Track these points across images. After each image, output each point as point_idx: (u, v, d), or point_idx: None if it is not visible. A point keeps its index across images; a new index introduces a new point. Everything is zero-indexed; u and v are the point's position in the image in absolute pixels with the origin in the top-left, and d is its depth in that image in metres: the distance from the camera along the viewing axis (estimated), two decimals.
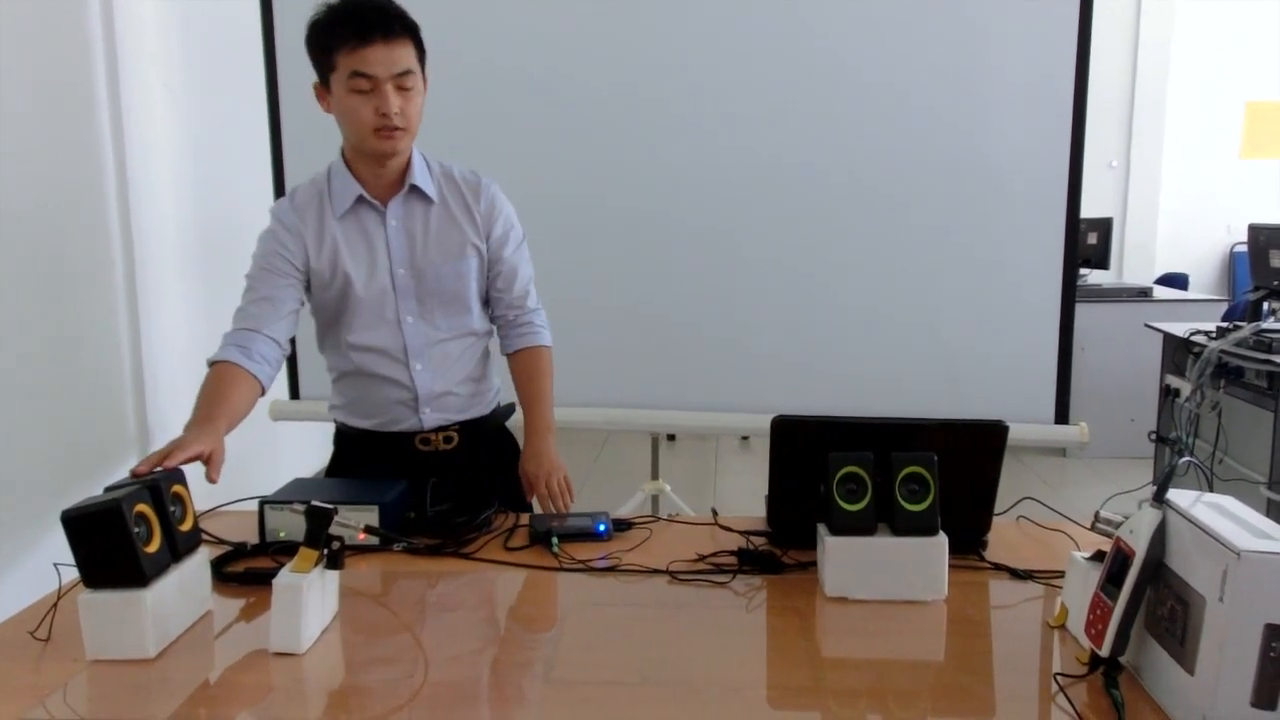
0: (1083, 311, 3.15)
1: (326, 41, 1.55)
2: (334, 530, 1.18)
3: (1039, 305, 2.73)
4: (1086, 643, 1.07)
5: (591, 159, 2.83)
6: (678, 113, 2.79)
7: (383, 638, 1.21)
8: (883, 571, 1.28)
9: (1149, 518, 1.03)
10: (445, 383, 1.75)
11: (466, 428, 1.79)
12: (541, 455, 1.74)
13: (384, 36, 1.52)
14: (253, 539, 1.50)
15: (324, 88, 1.60)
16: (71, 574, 1.15)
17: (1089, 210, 3.36)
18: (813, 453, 1.32)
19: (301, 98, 2.94)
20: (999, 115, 2.69)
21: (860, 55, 2.71)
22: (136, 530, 1.12)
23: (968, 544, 1.43)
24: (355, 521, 1.32)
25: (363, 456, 1.79)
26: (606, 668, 1.13)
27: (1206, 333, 3.22)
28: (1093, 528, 1.25)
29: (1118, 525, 1.13)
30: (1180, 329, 3.39)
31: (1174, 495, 1.04)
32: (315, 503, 1.18)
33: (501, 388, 1.89)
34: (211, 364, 1.56)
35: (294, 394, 3.07)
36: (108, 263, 2.90)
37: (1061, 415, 2.77)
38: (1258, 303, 3.26)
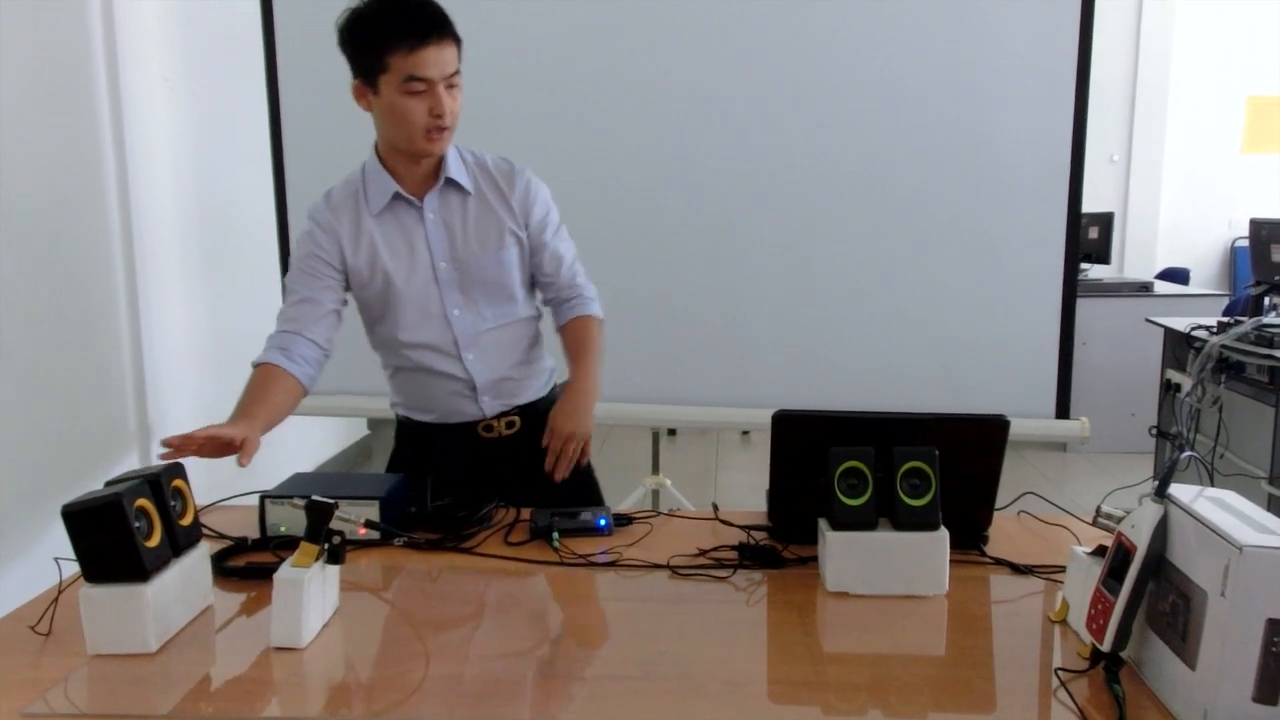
0: (1084, 306, 3.14)
1: (376, 42, 1.52)
2: (335, 525, 1.18)
3: (1040, 300, 2.73)
4: (1088, 637, 1.07)
5: (591, 153, 2.83)
6: (677, 106, 2.78)
7: (383, 632, 1.21)
8: (884, 566, 1.28)
9: (1150, 513, 1.03)
10: (500, 369, 1.75)
11: (527, 411, 1.79)
12: (574, 412, 1.65)
13: (438, 38, 1.51)
14: (253, 534, 1.50)
15: (367, 86, 1.57)
16: (72, 568, 1.15)
17: (1090, 205, 3.35)
18: (814, 447, 1.32)
19: (301, 90, 2.95)
20: (1000, 109, 2.68)
21: (862, 50, 2.71)
22: (137, 525, 1.12)
23: (969, 539, 1.43)
24: (356, 516, 1.32)
25: (426, 449, 1.80)
26: (607, 662, 1.13)
27: (1207, 327, 3.21)
28: (1094, 523, 1.25)
29: (1119, 520, 1.13)
30: (1181, 324, 3.39)
31: (1175, 490, 1.03)
32: (316, 497, 1.17)
33: (557, 368, 1.87)
34: (255, 366, 1.58)
35: None
36: (108, 257, 2.90)
37: (1062, 410, 2.77)
38: (1259, 297, 3.25)
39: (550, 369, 1.88)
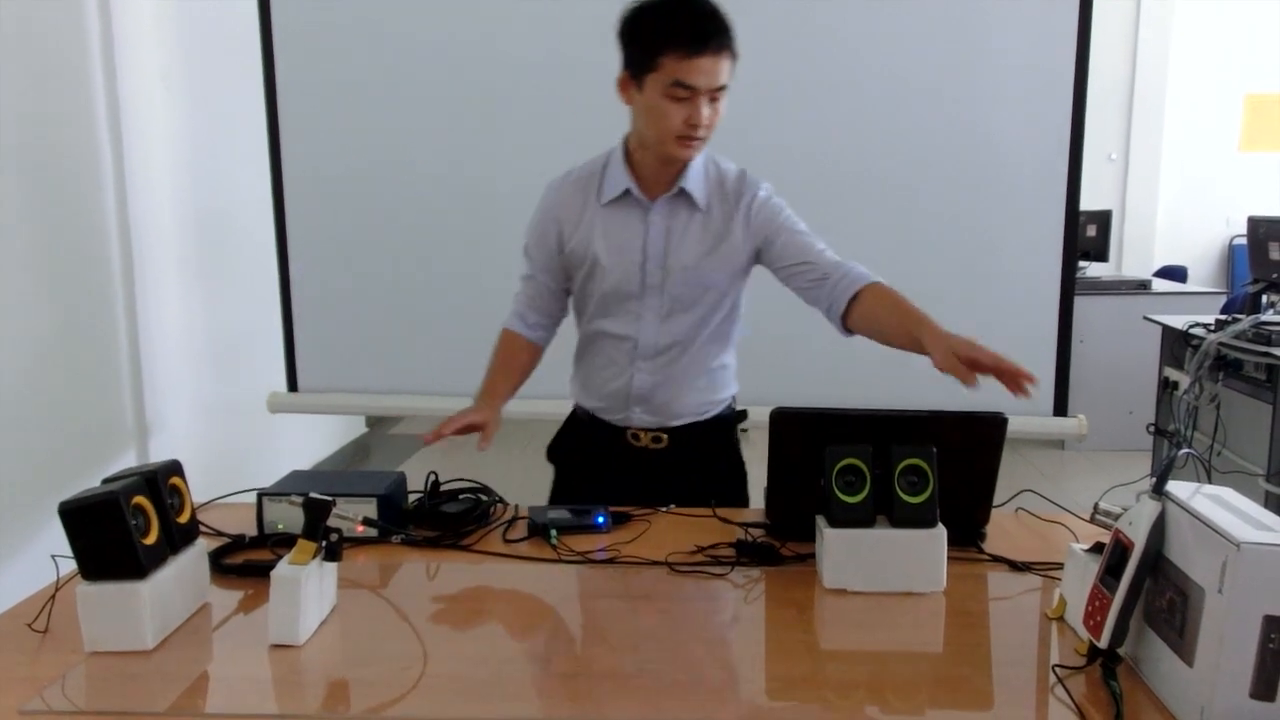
0: (1081, 304, 3.15)
1: (653, 40, 1.50)
2: (332, 522, 1.18)
3: (1038, 297, 2.73)
4: (1085, 634, 1.07)
5: (592, 153, 2.82)
6: None
7: (381, 630, 1.21)
8: (881, 564, 1.28)
9: (1148, 509, 1.03)
10: (663, 388, 1.71)
11: (677, 432, 1.75)
12: (951, 338, 1.39)
13: (715, 49, 1.49)
14: (251, 531, 1.49)
15: (633, 81, 1.56)
16: (69, 566, 1.15)
17: (1088, 203, 3.36)
18: (811, 445, 1.32)
19: (299, 90, 2.95)
20: (999, 107, 2.68)
21: (862, 50, 2.71)
22: (134, 522, 1.12)
23: (967, 536, 1.43)
24: (353, 513, 1.32)
25: (584, 440, 1.81)
26: (604, 659, 1.13)
27: (1205, 325, 3.21)
28: (1092, 520, 1.25)
29: (1116, 517, 1.13)
30: (1179, 322, 3.39)
31: (1173, 487, 1.04)
32: (313, 495, 1.17)
33: (738, 394, 1.83)
34: (502, 329, 1.78)
35: (292, 386, 3.07)
36: (105, 255, 2.90)
37: (1060, 408, 2.77)
38: (1256, 295, 3.26)
39: (726, 399, 1.81)
